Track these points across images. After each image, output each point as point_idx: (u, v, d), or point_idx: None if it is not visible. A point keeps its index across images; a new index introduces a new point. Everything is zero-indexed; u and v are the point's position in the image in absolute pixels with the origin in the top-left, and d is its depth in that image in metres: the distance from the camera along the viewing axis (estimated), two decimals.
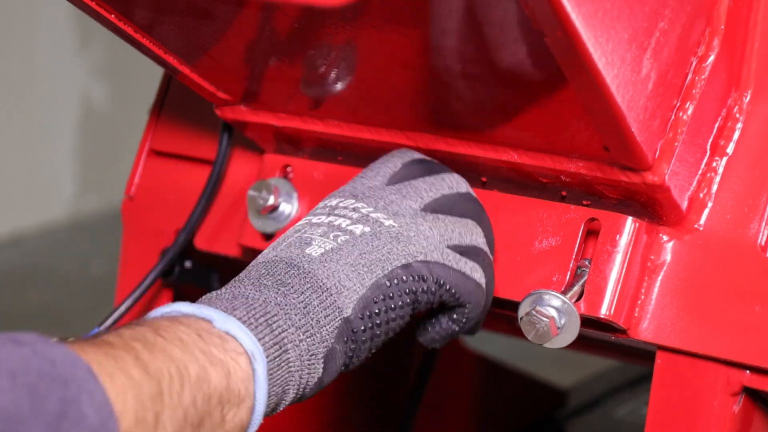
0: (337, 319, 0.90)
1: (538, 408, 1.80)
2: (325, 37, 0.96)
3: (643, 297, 1.00)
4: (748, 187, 1.00)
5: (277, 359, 0.87)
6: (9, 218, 3.36)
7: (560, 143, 0.98)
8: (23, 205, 3.41)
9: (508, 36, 0.89)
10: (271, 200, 1.13)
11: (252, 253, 1.20)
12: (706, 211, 1.01)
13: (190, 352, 0.82)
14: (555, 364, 2.08)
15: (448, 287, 0.95)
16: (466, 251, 0.98)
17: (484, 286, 0.99)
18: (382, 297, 0.92)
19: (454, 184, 1.01)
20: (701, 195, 1.00)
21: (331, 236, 0.94)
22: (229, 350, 0.85)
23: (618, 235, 0.99)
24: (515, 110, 0.98)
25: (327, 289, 0.91)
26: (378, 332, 0.92)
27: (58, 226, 3.47)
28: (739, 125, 1.01)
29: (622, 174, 0.97)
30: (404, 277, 0.93)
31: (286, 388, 0.88)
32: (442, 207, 0.99)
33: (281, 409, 0.90)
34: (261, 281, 0.91)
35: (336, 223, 0.96)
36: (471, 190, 1.02)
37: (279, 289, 0.90)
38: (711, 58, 0.98)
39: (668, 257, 1.01)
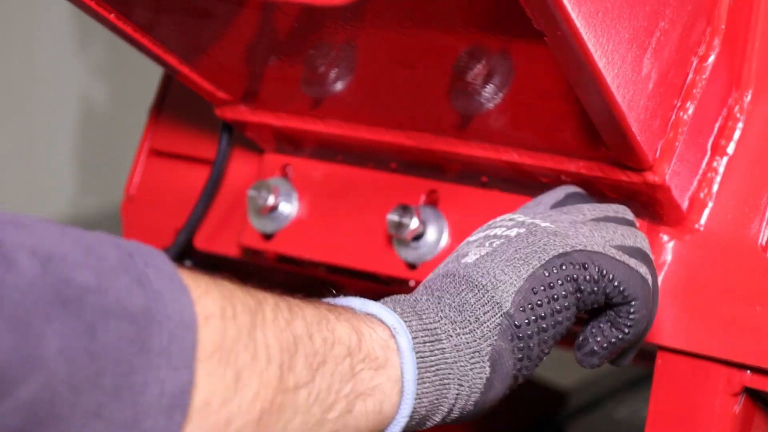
0: (497, 315, 0.85)
1: (538, 408, 1.79)
2: (325, 36, 0.96)
3: None
4: (749, 187, 1.00)
5: (429, 345, 0.82)
6: None
7: (560, 143, 0.98)
8: (23, 205, 3.41)
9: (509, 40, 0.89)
10: (271, 200, 1.12)
11: (252, 253, 1.20)
12: (707, 211, 1.00)
13: (312, 304, 0.77)
14: (555, 364, 2.08)
15: (611, 277, 0.88)
16: (630, 251, 0.92)
17: (650, 284, 0.92)
18: (542, 287, 0.86)
19: (620, 210, 0.96)
20: (702, 195, 1.00)
21: (486, 243, 0.90)
22: (364, 318, 0.80)
23: None
24: (515, 110, 0.97)
25: (483, 286, 0.86)
26: (544, 326, 0.86)
27: None
28: (740, 125, 1.01)
29: (622, 174, 0.97)
30: (563, 266, 0.87)
31: (445, 381, 0.83)
32: (604, 219, 0.94)
33: (443, 412, 0.84)
34: (415, 296, 0.87)
35: (492, 233, 0.91)
36: (637, 223, 0.97)
37: (433, 294, 0.86)
38: (712, 58, 0.98)
39: (669, 257, 1.00)
